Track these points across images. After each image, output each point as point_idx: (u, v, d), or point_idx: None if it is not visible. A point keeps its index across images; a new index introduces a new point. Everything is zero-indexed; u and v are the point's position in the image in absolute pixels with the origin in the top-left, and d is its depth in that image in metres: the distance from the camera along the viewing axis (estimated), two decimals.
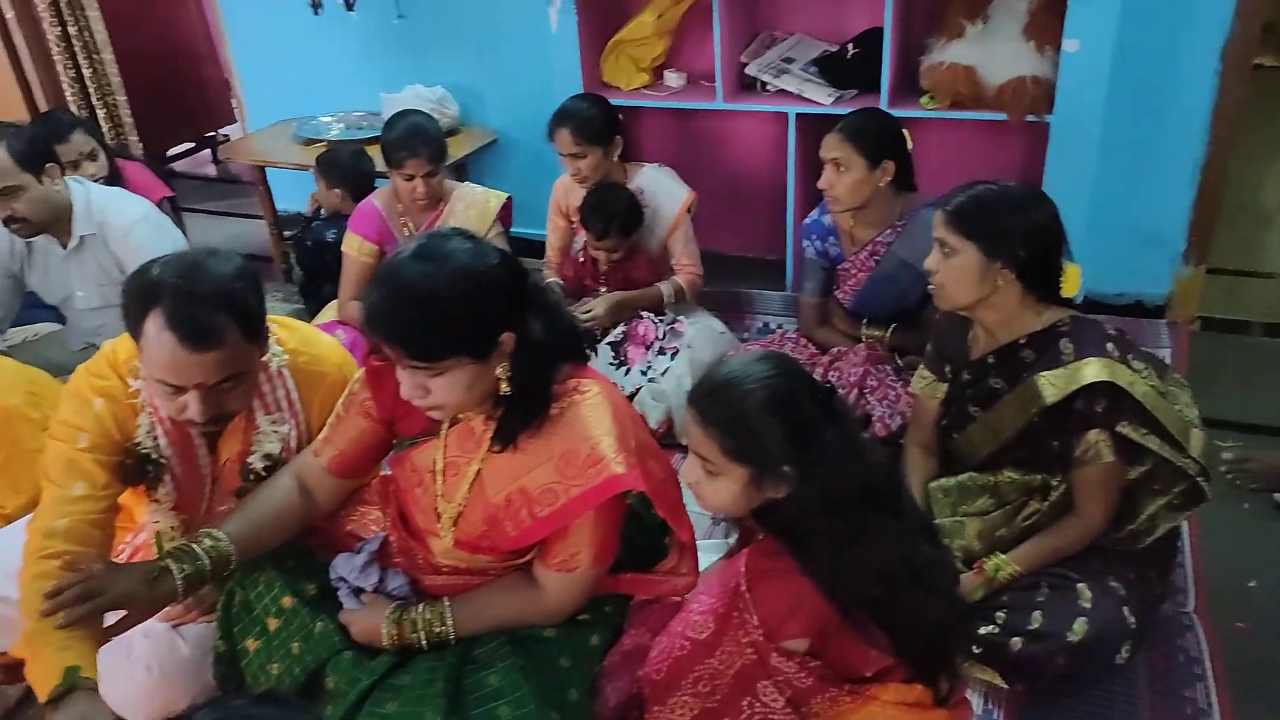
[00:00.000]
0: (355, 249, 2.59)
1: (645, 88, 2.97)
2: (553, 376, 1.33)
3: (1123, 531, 1.67)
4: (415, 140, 2.43)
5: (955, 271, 1.65)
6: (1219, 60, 2.43)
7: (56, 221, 2.24)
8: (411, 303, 1.21)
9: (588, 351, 1.48)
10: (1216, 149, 2.56)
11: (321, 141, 3.25)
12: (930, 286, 1.72)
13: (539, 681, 1.32)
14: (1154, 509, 1.67)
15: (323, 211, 3.07)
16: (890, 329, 2.33)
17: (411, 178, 2.46)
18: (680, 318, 2.58)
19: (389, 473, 1.53)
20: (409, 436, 1.44)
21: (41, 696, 1.22)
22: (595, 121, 2.52)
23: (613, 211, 2.51)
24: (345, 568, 1.42)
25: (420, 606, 1.40)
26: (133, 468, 1.47)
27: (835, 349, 2.38)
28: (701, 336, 2.52)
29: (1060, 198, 2.46)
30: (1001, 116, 2.42)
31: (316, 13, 3.31)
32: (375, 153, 2.72)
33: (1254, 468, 2.15)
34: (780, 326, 2.79)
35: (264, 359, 1.47)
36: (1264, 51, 5.22)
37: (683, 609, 1.35)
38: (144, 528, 1.60)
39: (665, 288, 2.60)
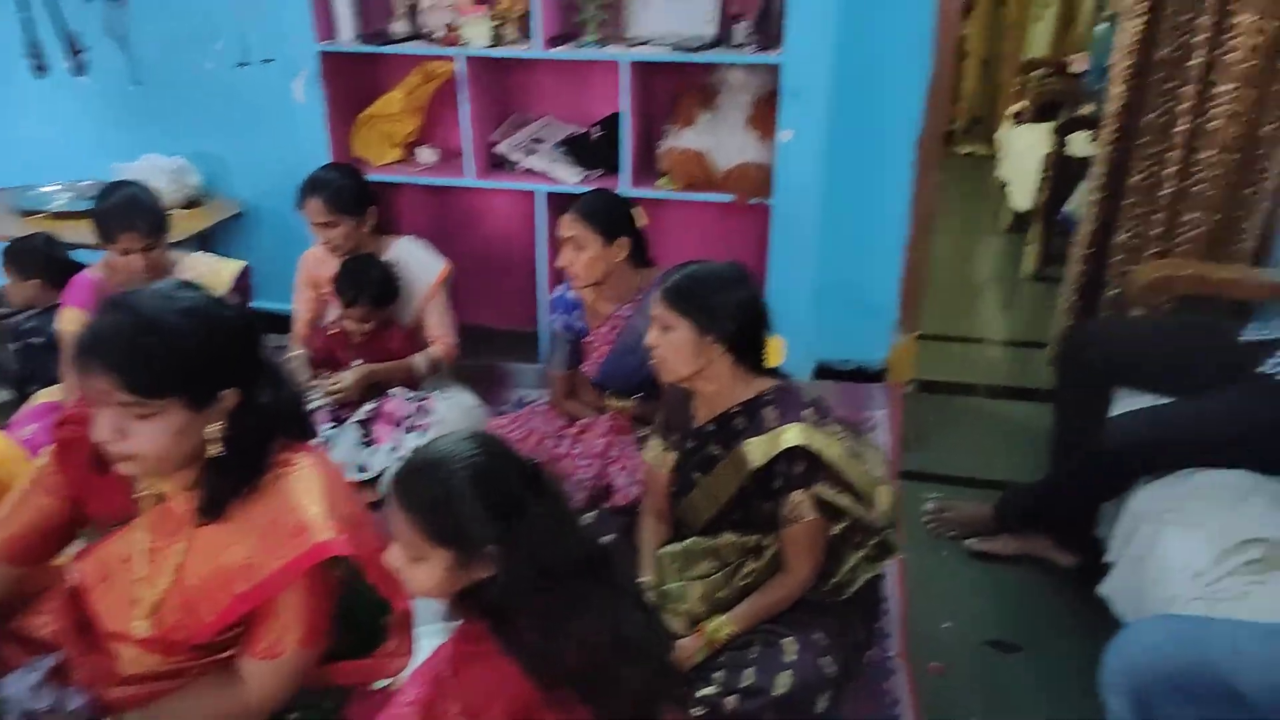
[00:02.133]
0: (77, 323, 2.40)
1: (398, 163, 2.97)
2: (268, 445, 1.30)
3: (828, 585, 1.80)
4: (131, 213, 2.30)
5: (672, 346, 1.76)
6: (913, 151, 2.75)
7: None
8: (137, 327, 1.16)
9: (310, 429, 1.43)
10: (918, 228, 2.88)
11: (43, 213, 3.01)
12: (653, 361, 1.82)
13: None
14: (854, 561, 1.81)
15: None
16: (633, 400, 2.43)
17: (128, 251, 2.32)
18: (431, 394, 2.57)
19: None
20: (98, 521, 1.35)
21: None
22: (347, 191, 2.50)
23: (365, 280, 2.49)
24: (15, 687, 1.29)
25: None
26: None
27: (583, 420, 2.46)
28: (453, 412, 2.52)
29: (785, 273, 2.73)
30: (730, 198, 2.61)
31: (41, 76, 3.09)
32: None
33: (950, 517, 2.42)
34: (536, 399, 2.84)
35: None
36: (973, 142, 5.98)
37: (391, 701, 1.32)
38: None
39: (419, 360, 2.59)
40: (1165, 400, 2.04)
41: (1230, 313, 2.50)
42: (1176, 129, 2.49)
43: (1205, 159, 2.49)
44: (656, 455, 1.96)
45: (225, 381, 1.23)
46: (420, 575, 1.25)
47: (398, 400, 2.51)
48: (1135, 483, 1.96)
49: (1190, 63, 2.39)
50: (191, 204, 3.11)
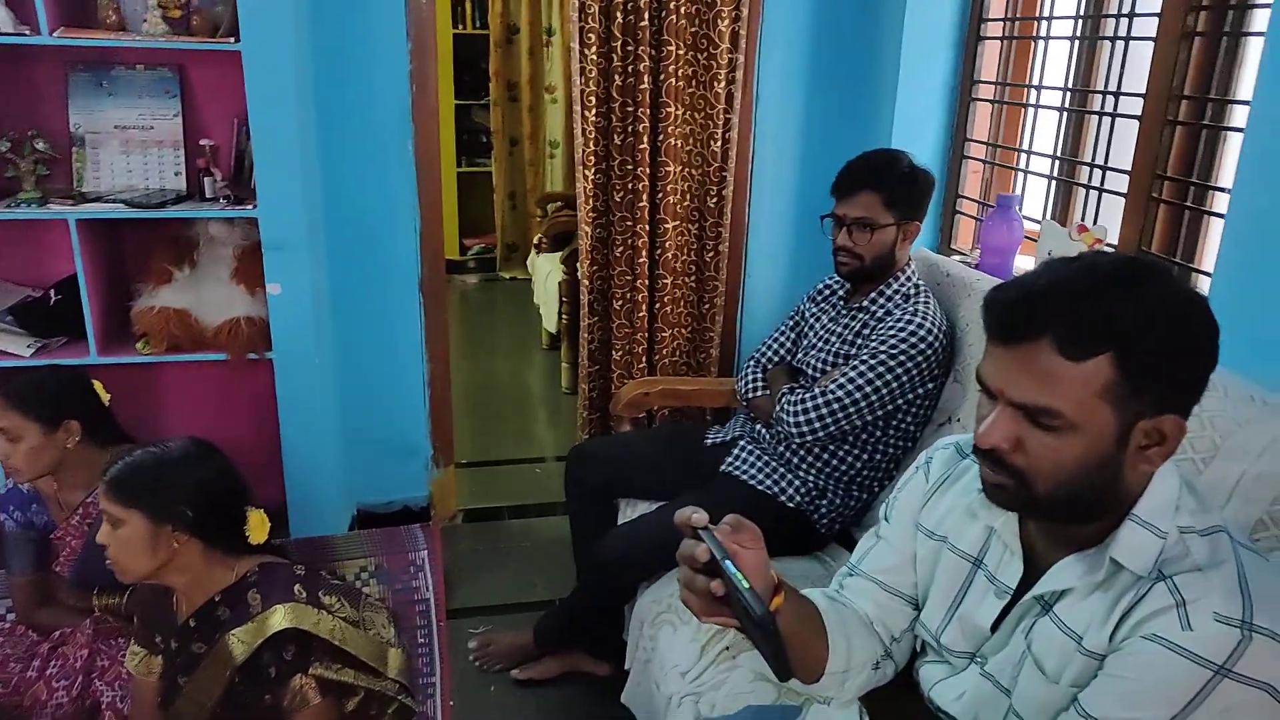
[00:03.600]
0: None
1: None
2: None
3: None
4: None
5: (125, 543, 1.56)
6: (418, 292, 2.80)
7: None
8: None
9: None
10: (436, 365, 2.92)
11: None
12: (107, 562, 1.60)
13: None
14: None
15: None
16: (124, 596, 2.12)
17: None
18: None
19: None
20: None
21: None
22: None
23: None
24: None
25: None
26: None
27: (60, 631, 2.08)
28: None
29: (303, 425, 2.60)
30: (222, 356, 2.44)
31: None
32: None
33: (493, 651, 2.41)
34: (3, 617, 2.36)
35: None
36: (513, 267, 6.36)
37: None
38: None
39: None
40: (653, 506, 2.24)
41: (711, 420, 2.87)
42: (639, 260, 2.83)
43: (666, 284, 2.86)
44: (139, 663, 1.73)
45: None
46: None
47: None
48: (637, 588, 2.11)
49: (640, 204, 2.75)
50: None
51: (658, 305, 2.89)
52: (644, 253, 2.83)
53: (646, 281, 2.86)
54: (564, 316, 4.24)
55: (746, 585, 0.91)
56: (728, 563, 0.93)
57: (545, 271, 4.66)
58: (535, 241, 5.27)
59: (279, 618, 1.58)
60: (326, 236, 2.58)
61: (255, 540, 1.68)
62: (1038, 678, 1.04)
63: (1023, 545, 1.11)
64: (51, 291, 2.46)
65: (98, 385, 2.09)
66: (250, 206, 2.33)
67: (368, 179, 2.64)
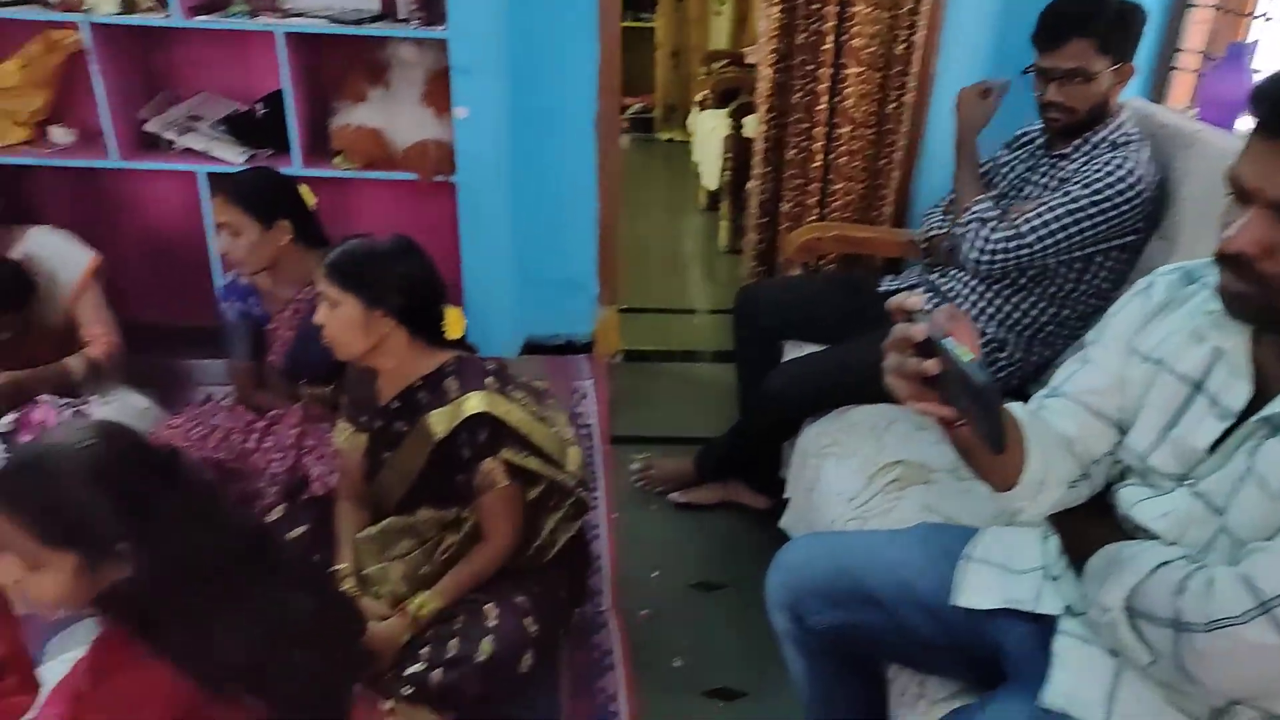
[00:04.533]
0: None
1: (26, 144, 2.61)
2: None
3: (530, 549, 1.82)
4: None
5: (341, 323, 1.69)
6: (594, 131, 2.82)
7: None
8: None
9: None
10: (607, 206, 2.97)
11: None
12: (324, 341, 1.74)
13: None
14: (552, 524, 1.84)
15: None
16: (330, 387, 2.31)
17: None
18: (92, 398, 2.30)
19: None
20: None
21: None
22: None
23: None
24: None
25: None
26: None
27: (274, 412, 2.30)
28: (119, 418, 2.26)
29: (480, 250, 2.71)
30: (412, 176, 2.55)
31: None
32: None
33: (655, 474, 2.53)
34: (224, 396, 2.62)
35: None
36: (671, 128, 6.29)
37: None
38: None
39: (74, 363, 2.30)
40: (821, 348, 2.25)
41: (882, 270, 2.81)
42: (818, 108, 2.75)
43: (844, 134, 2.77)
44: (346, 439, 1.88)
45: None
46: (43, 584, 1.11)
47: (45, 408, 2.21)
48: (801, 424, 2.15)
49: (824, 47, 2.65)
50: None
51: (833, 156, 2.82)
52: (823, 100, 2.74)
53: (824, 130, 2.78)
54: (727, 173, 4.20)
55: (969, 357, 0.91)
56: (947, 340, 0.93)
57: (709, 128, 4.60)
58: (699, 99, 5.18)
59: (474, 403, 1.70)
60: (510, 68, 2.61)
61: (451, 335, 1.79)
62: (1259, 497, 1.01)
63: (1254, 368, 1.06)
64: (259, 105, 2.61)
65: (304, 190, 2.22)
66: (440, 28, 2.38)
67: (550, 11, 2.63)
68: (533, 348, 3.13)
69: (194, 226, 2.74)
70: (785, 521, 2.06)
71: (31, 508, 1.08)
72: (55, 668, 1.44)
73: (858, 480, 1.85)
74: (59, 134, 2.63)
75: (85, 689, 1.13)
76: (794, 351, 2.33)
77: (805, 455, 2.07)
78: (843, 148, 2.80)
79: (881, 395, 1.05)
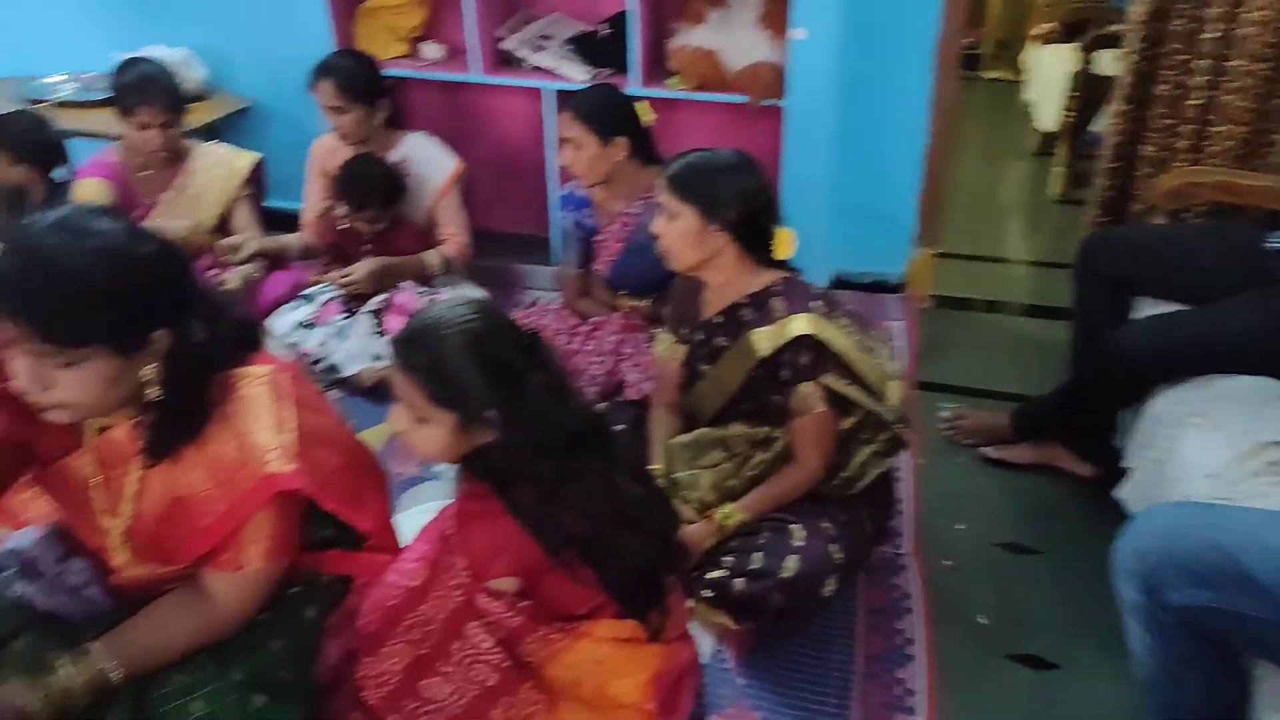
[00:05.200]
0: (93, 192, 2.38)
1: (403, 57, 2.90)
2: (211, 382, 1.21)
3: (837, 478, 1.79)
4: (149, 86, 2.30)
5: (677, 234, 1.72)
6: (931, 60, 2.66)
7: None
8: (43, 271, 1.05)
9: (259, 340, 1.32)
10: (936, 141, 2.80)
11: (46, 102, 2.96)
12: (656, 248, 1.79)
13: (245, 665, 1.25)
14: (864, 456, 1.79)
15: None
16: (647, 300, 2.40)
17: (146, 126, 2.31)
18: (442, 290, 2.56)
19: None
20: (48, 456, 1.27)
21: None
22: (359, 78, 2.46)
23: (369, 185, 2.46)
24: (20, 543, 1.29)
25: (65, 664, 1.20)
26: None
27: (595, 319, 2.43)
28: None
29: (799, 178, 2.66)
30: (742, 99, 2.54)
31: None
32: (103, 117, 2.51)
33: (966, 425, 2.39)
34: (549, 301, 2.81)
35: None
36: (999, 67, 5.82)
37: (398, 558, 1.33)
38: None
39: (432, 256, 2.57)
40: (1182, 308, 1.99)
41: (1260, 224, 2.43)
42: (1204, 37, 2.39)
43: (1235, 68, 2.39)
44: (666, 348, 1.94)
45: (153, 323, 1.14)
46: (425, 437, 1.25)
47: (408, 294, 2.49)
48: (1153, 389, 1.92)
49: None
50: (197, 98, 3.04)
51: (1217, 93, 2.45)
52: (1212, 28, 2.37)
53: (1209, 64, 2.42)
54: (1069, 113, 3.81)
55: None
56: None
57: (1049, 64, 4.19)
58: (1040, 33, 4.73)
59: (800, 324, 1.68)
60: None
61: (781, 255, 1.77)
62: None
63: None
64: (603, 26, 2.71)
65: (643, 107, 2.29)
66: None
67: None
68: (840, 283, 3.05)
69: (536, 140, 2.93)
70: (1124, 492, 1.87)
71: (424, 368, 1.21)
72: (406, 519, 1.64)
73: (1224, 456, 1.62)
74: (430, 49, 2.90)
75: (449, 532, 1.27)
76: (1149, 309, 2.08)
77: (1157, 423, 1.85)
78: (1230, 84, 2.42)
79: (1258, 366, 0.88)
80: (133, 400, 1.17)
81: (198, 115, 2.97)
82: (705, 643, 1.70)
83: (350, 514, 1.29)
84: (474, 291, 2.62)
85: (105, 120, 2.63)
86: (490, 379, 1.21)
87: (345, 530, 1.39)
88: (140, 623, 1.26)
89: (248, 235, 2.48)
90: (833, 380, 1.70)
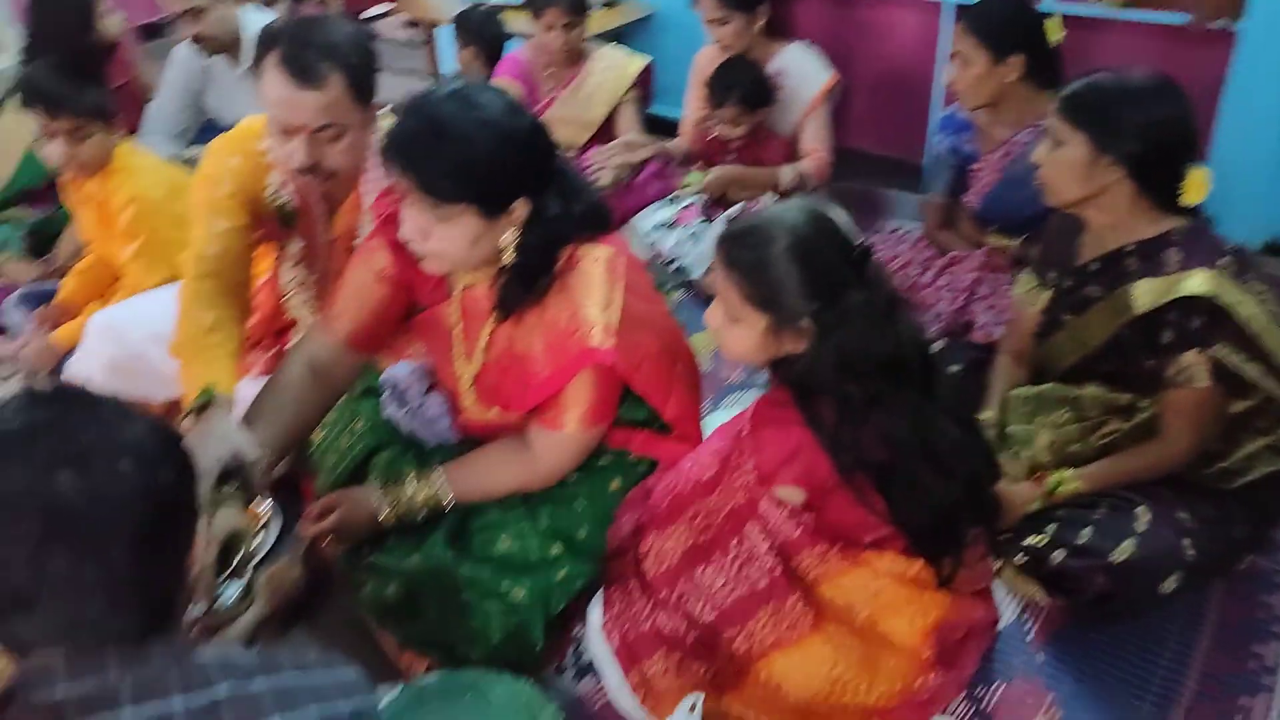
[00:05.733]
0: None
1: None
2: (557, 254, 1.32)
3: (1212, 468, 1.53)
4: None
5: (1061, 164, 1.52)
6: None
7: (232, 44, 2.46)
8: (434, 134, 1.20)
9: (607, 223, 1.40)
10: None
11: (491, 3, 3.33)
12: (1036, 180, 1.60)
13: (550, 516, 1.39)
14: (1253, 449, 1.52)
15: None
16: (1019, 240, 2.18)
17: (551, 27, 2.53)
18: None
19: None
20: (423, 304, 1.47)
21: (184, 406, 1.39)
22: None
23: (733, 82, 2.49)
24: (398, 373, 1.52)
25: (411, 480, 1.42)
26: (267, 216, 1.62)
27: (954, 253, 2.27)
28: None
29: (1242, 118, 2.23)
30: (1185, 19, 2.15)
31: None
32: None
33: None
34: (911, 231, 2.67)
35: (376, 137, 1.52)
36: None
37: (697, 450, 1.37)
38: (273, 279, 1.78)
39: (786, 171, 2.55)
40: None
41: None
42: None
43: None
44: (1027, 291, 1.76)
45: (516, 192, 1.25)
46: (735, 336, 1.26)
47: (763, 205, 2.50)
48: None
49: None
50: (607, 4, 3.25)
51: None
52: None
53: None
54: None
55: None
56: None
57: None
58: None
59: (1197, 281, 1.42)
60: None
61: (1189, 200, 1.50)
62: None
63: None
64: None
65: (1051, 23, 2.03)
66: None
67: None
68: (1274, 249, 2.54)
69: (925, 58, 2.75)
70: None
71: (744, 266, 1.21)
72: (714, 418, 1.69)
73: None
74: None
75: (743, 431, 1.28)
76: None
77: None
78: None
79: None
80: (491, 261, 1.31)
81: (604, 20, 3.18)
82: (1008, 608, 1.57)
83: (657, 399, 1.36)
84: (838, 212, 2.56)
85: (521, 21, 2.93)
86: (810, 286, 1.18)
87: (656, 417, 1.47)
88: (475, 460, 1.45)
89: (646, 138, 2.63)
90: (1227, 353, 1.43)
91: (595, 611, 1.39)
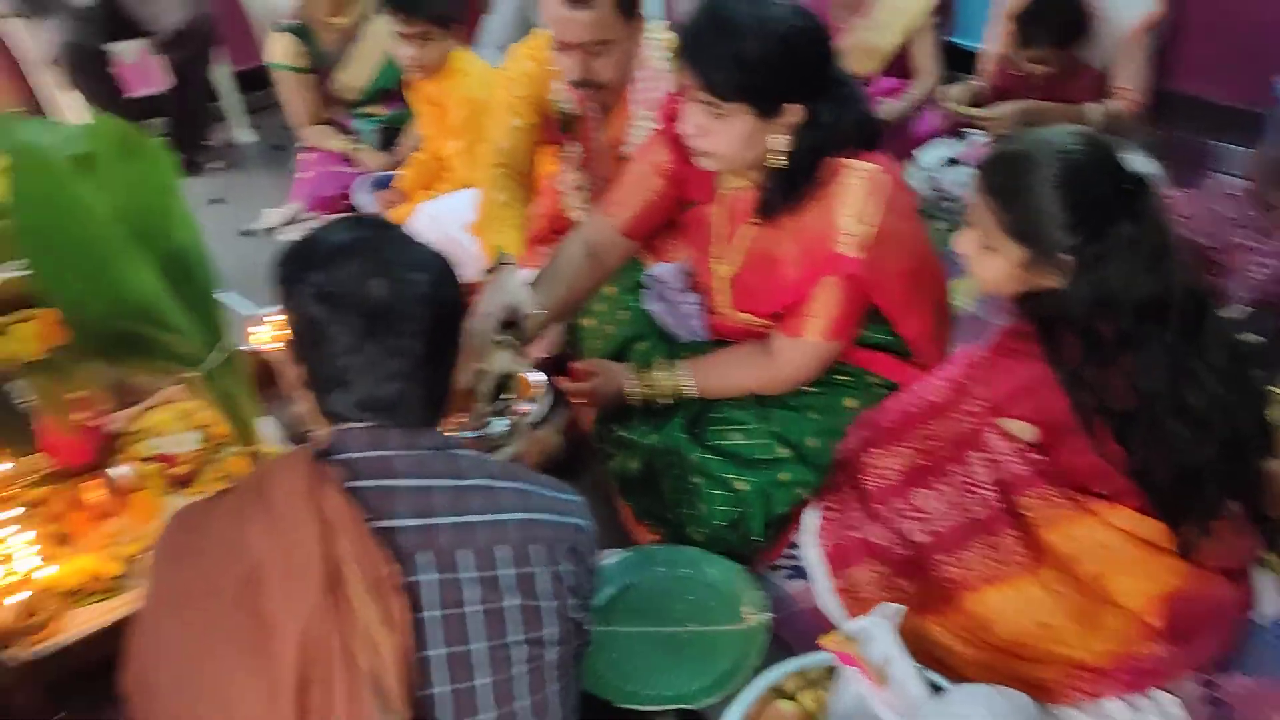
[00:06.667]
0: None
1: None
2: (823, 162, 1.34)
3: None
4: None
5: None
6: None
7: None
8: (719, 30, 1.25)
9: (875, 140, 1.40)
10: None
11: None
12: None
13: (781, 421, 1.47)
14: None
15: None
16: None
17: None
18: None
19: None
20: (692, 201, 1.54)
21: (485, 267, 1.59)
22: None
23: (1045, 21, 2.29)
24: (661, 271, 1.65)
25: (661, 366, 1.52)
26: (551, 119, 1.82)
27: None
28: None
29: None
30: None
31: None
32: None
33: None
34: (1234, 188, 2.38)
35: (645, 54, 1.66)
36: None
37: (933, 372, 1.38)
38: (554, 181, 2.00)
39: (1092, 109, 2.33)
40: None
41: None
42: None
43: None
44: None
45: (792, 96, 1.27)
46: (987, 266, 1.23)
47: None
48: None
49: None
50: None
51: None
52: None
53: None
54: None
55: None
56: None
57: None
58: None
59: None
60: None
61: None
62: None
63: None
64: None
65: None
66: None
67: None
68: None
69: None
70: None
71: (1005, 192, 1.17)
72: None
73: None
74: None
75: (981, 360, 1.27)
76: None
77: None
78: None
79: None
80: (760, 164, 1.37)
81: None
82: (1270, 601, 1.43)
83: (897, 316, 1.38)
84: (1140, 159, 2.33)
85: None
86: (1074, 219, 1.12)
87: (900, 342, 1.49)
88: (720, 357, 1.55)
89: (957, 89, 2.53)
90: None
91: (812, 515, 1.46)
